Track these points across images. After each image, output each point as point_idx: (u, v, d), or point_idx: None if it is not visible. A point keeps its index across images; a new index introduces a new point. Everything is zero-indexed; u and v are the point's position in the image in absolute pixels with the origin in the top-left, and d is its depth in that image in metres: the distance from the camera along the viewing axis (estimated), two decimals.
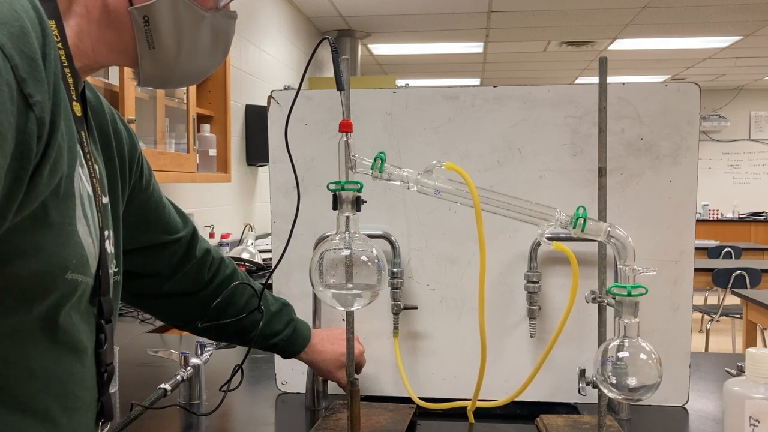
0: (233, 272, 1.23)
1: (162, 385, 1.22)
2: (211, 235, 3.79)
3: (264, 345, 1.24)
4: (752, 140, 10.82)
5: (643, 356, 0.95)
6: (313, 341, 1.26)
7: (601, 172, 1.10)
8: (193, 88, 3.01)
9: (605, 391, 0.96)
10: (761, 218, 9.83)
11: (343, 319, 1.30)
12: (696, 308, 5.39)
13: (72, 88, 0.74)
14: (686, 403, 1.31)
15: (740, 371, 1.33)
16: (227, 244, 3.87)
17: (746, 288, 4.87)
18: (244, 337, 1.21)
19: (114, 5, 0.79)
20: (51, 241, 0.68)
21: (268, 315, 1.22)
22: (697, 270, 1.35)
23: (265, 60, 4.91)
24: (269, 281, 1.30)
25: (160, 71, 0.84)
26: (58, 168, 0.67)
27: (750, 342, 4.01)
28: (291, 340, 1.24)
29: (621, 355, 0.94)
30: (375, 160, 1.02)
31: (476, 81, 9.62)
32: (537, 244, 1.30)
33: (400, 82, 8.09)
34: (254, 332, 1.19)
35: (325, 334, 1.29)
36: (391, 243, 1.34)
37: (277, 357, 1.41)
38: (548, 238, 1.03)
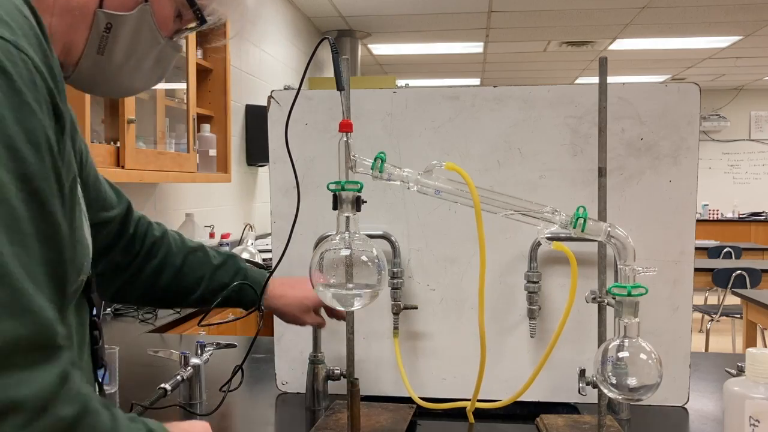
0: (163, 235, 1.19)
1: (162, 385, 1.22)
2: (211, 235, 3.79)
3: (218, 301, 1.19)
4: (752, 140, 10.82)
5: (643, 356, 0.95)
6: (271, 287, 1.23)
7: (601, 172, 1.10)
8: (193, 88, 3.01)
9: (605, 391, 0.96)
10: (761, 218, 9.82)
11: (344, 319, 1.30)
12: (696, 308, 5.39)
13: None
14: (686, 403, 1.31)
15: (740, 371, 1.33)
16: (227, 244, 3.87)
17: (746, 288, 4.86)
18: (190, 297, 1.19)
19: (81, 0, 0.77)
20: (71, 247, 0.67)
21: (210, 269, 1.19)
22: (697, 270, 1.35)
23: (265, 60, 4.91)
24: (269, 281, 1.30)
25: (96, 77, 0.82)
26: (71, 169, 0.67)
27: (750, 342, 4.01)
28: (244, 290, 1.21)
29: (621, 355, 0.95)
30: (375, 160, 1.02)
31: (476, 81, 9.61)
32: (537, 244, 1.30)
33: (400, 82, 8.09)
34: (199, 290, 1.16)
35: (284, 281, 1.26)
36: (391, 243, 1.34)
37: (277, 357, 1.41)
38: (548, 238, 1.03)
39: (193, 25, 0.87)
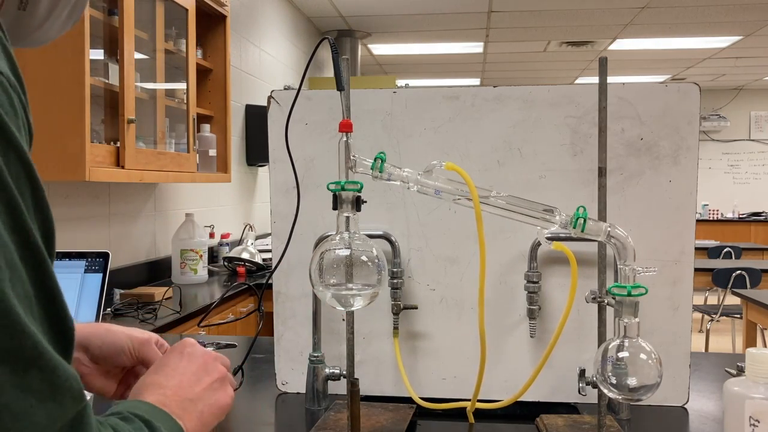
0: None
1: None
2: (211, 235, 3.79)
3: None
4: (752, 140, 10.82)
5: (643, 356, 0.95)
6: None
7: (601, 172, 1.10)
8: (193, 88, 3.01)
9: (605, 391, 0.96)
10: (761, 218, 9.83)
11: (343, 319, 1.30)
12: (696, 308, 5.39)
13: None
14: (686, 403, 1.31)
15: (740, 371, 1.33)
16: (227, 244, 3.87)
17: (746, 288, 4.87)
18: None
19: None
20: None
21: None
22: (697, 270, 1.35)
23: (265, 60, 4.91)
24: (269, 281, 1.30)
25: (15, 34, 0.70)
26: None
27: (750, 342, 4.01)
28: None
29: (621, 355, 0.94)
30: (375, 160, 1.02)
31: (476, 81, 9.61)
32: (537, 244, 1.30)
33: (400, 82, 8.09)
34: None
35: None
36: (391, 243, 1.34)
37: (277, 357, 1.42)
38: (548, 238, 1.03)
39: None
